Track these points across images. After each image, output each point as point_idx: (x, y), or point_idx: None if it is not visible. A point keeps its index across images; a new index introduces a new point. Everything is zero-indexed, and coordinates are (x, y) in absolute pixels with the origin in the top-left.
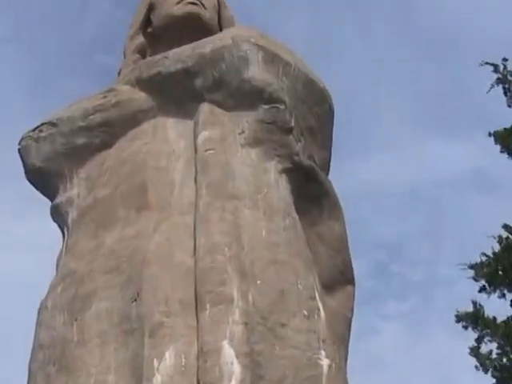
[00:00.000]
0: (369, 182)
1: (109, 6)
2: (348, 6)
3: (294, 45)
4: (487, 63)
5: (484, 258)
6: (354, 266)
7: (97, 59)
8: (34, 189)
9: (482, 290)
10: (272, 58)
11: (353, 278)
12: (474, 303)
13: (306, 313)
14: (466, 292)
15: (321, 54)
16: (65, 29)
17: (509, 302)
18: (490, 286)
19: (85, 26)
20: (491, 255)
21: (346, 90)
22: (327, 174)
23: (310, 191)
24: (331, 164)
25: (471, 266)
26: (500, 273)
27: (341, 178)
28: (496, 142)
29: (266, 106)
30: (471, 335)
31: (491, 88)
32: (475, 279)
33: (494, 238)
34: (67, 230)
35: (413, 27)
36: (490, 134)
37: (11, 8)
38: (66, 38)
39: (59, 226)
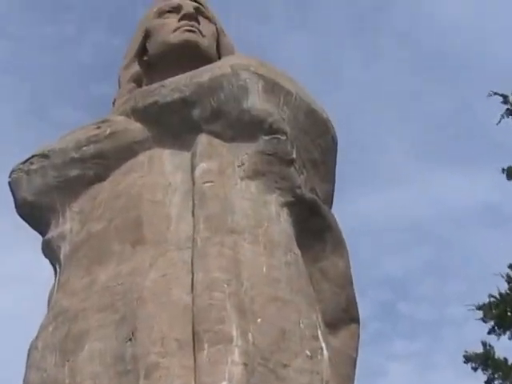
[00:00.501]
0: (373, 216)
1: (105, 34)
2: (353, 33)
3: (296, 73)
4: (496, 94)
5: (492, 300)
6: (358, 305)
7: (92, 89)
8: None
9: (492, 331)
10: (272, 87)
11: (357, 316)
12: (484, 344)
13: (308, 353)
14: (475, 332)
15: (324, 82)
16: (59, 57)
17: None
18: (499, 328)
19: (80, 54)
20: (498, 296)
21: (349, 119)
22: (330, 208)
23: (313, 225)
24: (336, 197)
25: (479, 307)
26: (509, 314)
27: (344, 212)
28: (509, 178)
29: (267, 137)
30: (481, 377)
31: (501, 119)
32: (484, 320)
33: (502, 276)
34: (59, 266)
35: (420, 55)
36: (503, 171)
37: (4, 35)
38: (60, 66)
39: (51, 261)
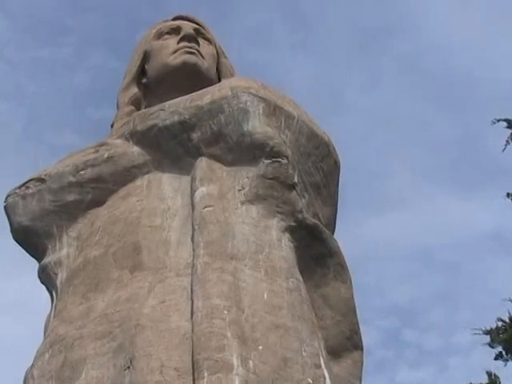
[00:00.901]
0: (379, 242)
1: (103, 57)
2: (356, 56)
3: (298, 96)
4: (500, 120)
5: (500, 324)
6: (363, 333)
7: (89, 113)
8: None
9: (499, 357)
10: (274, 110)
11: (361, 344)
12: (489, 374)
13: (310, 381)
14: (482, 360)
15: (326, 106)
16: (56, 81)
17: None
18: (506, 353)
19: (77, 77)
20: (507, 320)
21: (352, 143)
22: (333, 233)
23: (315, 251)
24: (338, 222)
25: (487, 332)
26: None
27: (349, 237)
28: None
29: (268, 161)
30: None
31: (506, 145)
32: (491, 346)
33: (511, 301)
34: (56, 293)
35: (424, 79)
36: (508, 195)
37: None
38: (58, 90)
39: (47, 288)
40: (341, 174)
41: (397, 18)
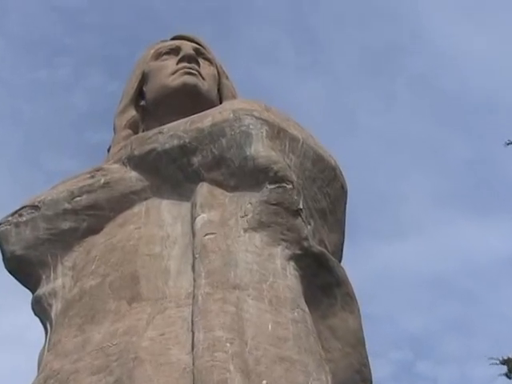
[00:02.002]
0: (391, 270)
1: (101, 79)
2: (367, 76)
3: (307, 118)
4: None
5: None
6: (374, 366)
7: (87, 136)
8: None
9: None
10: (277, 133)
11: (370, 378)
12: None
13: None
14: None
15: (337, 127)
16: (53, 103)
17: None
18: None
19: (75, 99)
20: None
21: (363, 166)
22: (340, 260)
23: (321, 280)
24: (347, 249)
25: (504, 362)
26: None
27: (359, 266)
28: None
29: (272, 186)
30: None
31: None
32: (508, 376)
33: None
34: (50, 325)
35: (436, 100)
36: None
37: None
38: (54, 112)
39: (41, 320)
40: (351, 199)
41: (409, 37)
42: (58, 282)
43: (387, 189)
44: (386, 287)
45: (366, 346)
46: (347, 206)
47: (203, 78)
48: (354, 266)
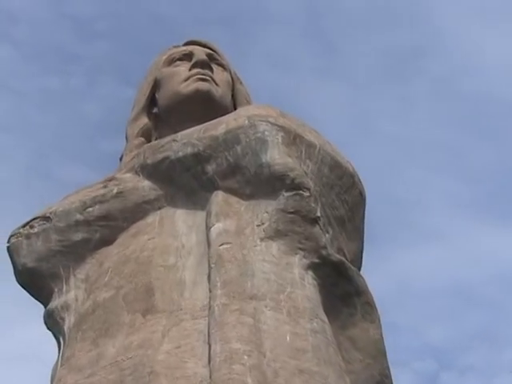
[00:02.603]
0: (413, 278)
1: (115, 86)
2: (387, 80)
3: (326, 123)
4: None
5: None
6: (396, 377)
7: (101, 145)
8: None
9: None
10: (293, 139)
11: None
12: None
13: None
14: None
15: (356, 132)
16: (65, 111)
17: None
18: None
19: (88, 108)
20: None
21: (383, 173)
22: (359, 269)
23: (340, 289)
24: (367, 257)
25: None
26: None
27: (379, 274)
28: None
29: (288, 194)
30: None
31: None
32: None
33: None
34: (63, 339)
35: (457, 104)
36: None
37: (4, 89)
38: (67, 121)
39: (54, 334)
40: (370, 206)
41: (429, 39)
42: (71, 294)
43: (407, 195)
44: (407, 296)
45: (388, 357)
46: (366, 213)
47: (217, 84)
48: (374, 274)
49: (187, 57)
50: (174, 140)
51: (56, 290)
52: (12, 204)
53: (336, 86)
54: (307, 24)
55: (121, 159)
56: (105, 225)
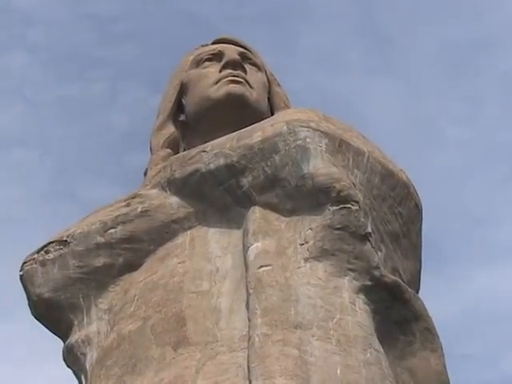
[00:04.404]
0: (487, 301)
1: (141, 92)
2: (451, 78)
3: (383, 128)
4: None
5: None
6: None
7: (126, 159)
8: None
9: None
10: (339, 146)
11: None
12: None
13: None
14: None
15: (418, 138)
16: (87, 123)
17: None
18: None
19: (111, 118)
20: None
21: (452, 182)
22: (417, 291)
23: (396, 314)
24: (429, 277)
25: None
26: None
27: (447, 297)
28: None
29: (335, 208)
30: None
31: None
32: None
33: None
34: (85, 378)
35: None
36: None
37: (20, 99)
38: (89, 134)
39: (75, 372)
40: (434, 221)
41: (498, 29)
42: (93, 327)
43: (477, 208)
44: (479, 321)
45: None
46: (428, 228)
47: (251, 87)
48: (439, 297)
49: (217, 57)
50: (204, 151)
51: (76, 322)
52: (31, 227)
53: (392, 86)
54: (358, 18)
55: (145, 174)
56: (129, 248)
